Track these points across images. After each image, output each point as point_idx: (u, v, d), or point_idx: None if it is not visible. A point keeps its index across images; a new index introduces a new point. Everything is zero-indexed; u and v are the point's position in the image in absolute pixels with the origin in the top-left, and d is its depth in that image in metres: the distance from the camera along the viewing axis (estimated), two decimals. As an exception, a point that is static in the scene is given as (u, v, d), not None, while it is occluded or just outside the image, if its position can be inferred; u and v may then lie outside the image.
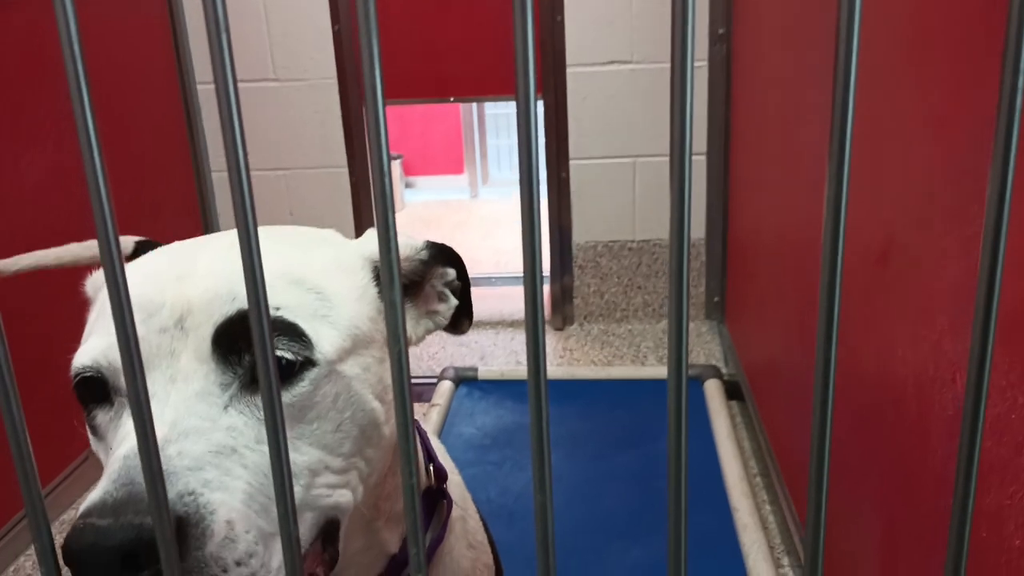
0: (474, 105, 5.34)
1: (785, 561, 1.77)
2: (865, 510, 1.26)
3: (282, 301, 0.63)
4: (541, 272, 0.36)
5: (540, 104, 2.94)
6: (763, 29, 2.15)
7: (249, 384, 0.61)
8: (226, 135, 0.34)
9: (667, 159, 2.85)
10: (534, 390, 0.34)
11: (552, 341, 2.97)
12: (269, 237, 0.68)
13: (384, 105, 0.34)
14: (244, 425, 0.59)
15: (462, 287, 0.79)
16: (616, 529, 1.88)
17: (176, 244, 0.71)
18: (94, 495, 0.52)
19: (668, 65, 2.78)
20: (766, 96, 2.10)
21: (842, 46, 0.35)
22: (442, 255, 0.77)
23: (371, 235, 0.75)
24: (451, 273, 0.78)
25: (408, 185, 5.43)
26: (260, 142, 2.94)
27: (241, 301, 0.61)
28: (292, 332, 0.62)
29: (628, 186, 2.91)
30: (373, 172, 0.34)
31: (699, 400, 2.40)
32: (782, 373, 1.93)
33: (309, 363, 0.62)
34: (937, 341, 0.96)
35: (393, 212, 0.34)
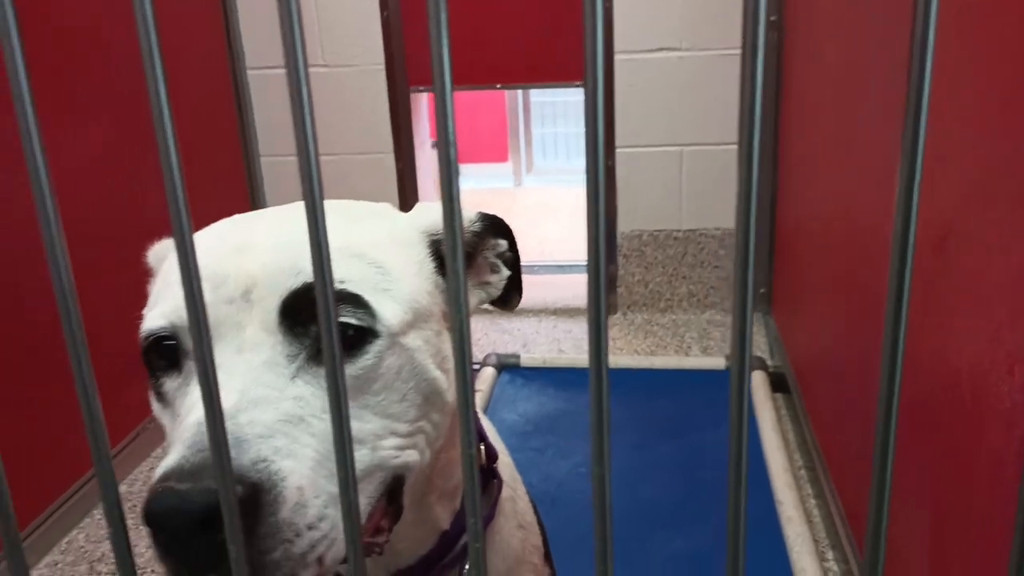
0: (519, 93, 5.33)
1: (830, 555, 1.75)
2: (913, 499, 1.24)
3: (344, 274, 0.64)
4: (604, 252, 0.36)
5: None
6: (817, 15, 2.11)
7: (316, 355, 0.62)
8: (296, 116, 0.35)
9: (714, 148, 2.83)
10: (595, 355, 0.34)
11: (595, 330, 2.96)
12: (327, 210, 0.69)
13: (451, 72, 0.34)
14: (311, 395, 0.60)
15: (513, 260, 0.80)
16: (658, 519, 1.87)
17: (235, 217, 0.72)
18: (170, 460, 0.54)
19: (718, 53, 2.75)
20: (819, 83, 2.07)
21: (919, 30, 0.35)
22: (494, 227, 0.78)
23: (423, 209, 0.76)
24: (503, 244, 0.79)
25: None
26: (308, 128, 2.97)
27: (306, 274, 0.62)
28: (356, 303, 0.63)
29: (675, 175, 2.89)
30: (439, 131, 0.34)
31: (744, 391, 2.38)
32: (830, 366, 1.90)
33: (372, 335, 0.63)
34: (995, 332, 0.94)
35: (457, 179, 0.34)
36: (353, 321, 0.62)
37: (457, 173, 0.36)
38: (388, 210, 0.76)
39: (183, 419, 0.59)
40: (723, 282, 2.98)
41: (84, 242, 2.04)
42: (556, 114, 5.53)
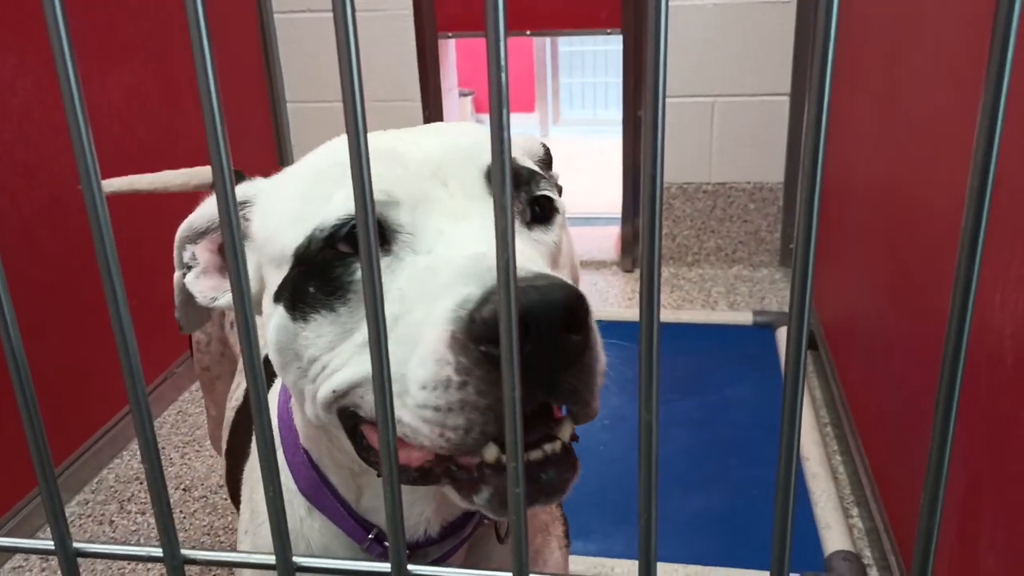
0: (547, 42, 5.25)
1: (854, 512, 1.74)
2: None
3: (524, 158, 0.69)
4: (660, 206, 0.34)
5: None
6: (860, -38, 2.04)
7: (524, 222, 0.65)
8: (342, 61, 0.33)
9: (748, 99, 2.77)
10: (647, 300, 0.33)
11: (620, 283, 2.95)
12: (452, 125, 0.73)
13: (505, 16, 0.32)
14: (533, 253, 0.62)
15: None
16: (677, 476, 1.87)
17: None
18: (478, 288, 0.52)
19: (754, 0, 2.67)
20: (861, 35, 2.01)
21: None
22: (551, 158, 0.82)
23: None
24: (557, 174, 0.81)
25: (479, 122, 5.39)
26: (334, 75, 2.94)
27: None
28: (545, 180, 0.67)
29: (706, 127, 2.84)
30: (490, 76, 0.33)
31: (771, 347, 2.36)
32: (861, 324, 1.87)
33: (555, 209, 0.67)
34: (1042, 289, 0.92)
35: (508, 111, 0.33)
36: (549, 193, 0.66)
37: (508, 121, 0.34)
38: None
39: (440, 267, 0.57)
40: (751, 237, 2.94)
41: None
42: (584, 64, 5.44)
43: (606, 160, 4.18)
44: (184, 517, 1.85)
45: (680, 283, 2.90)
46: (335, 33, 0.35)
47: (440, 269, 0.56)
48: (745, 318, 2.51)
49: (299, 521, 0.75)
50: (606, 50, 5.32)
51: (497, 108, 0.32)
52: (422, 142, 0.65)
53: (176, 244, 0.75)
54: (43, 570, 1.71)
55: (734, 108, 2.81)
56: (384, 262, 0.60)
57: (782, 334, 2.39)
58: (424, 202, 0.61)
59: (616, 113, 2.93)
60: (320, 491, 0.73)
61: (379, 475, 0.66)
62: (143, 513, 1.88)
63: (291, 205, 0.66)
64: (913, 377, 1.43)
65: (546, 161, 0.81)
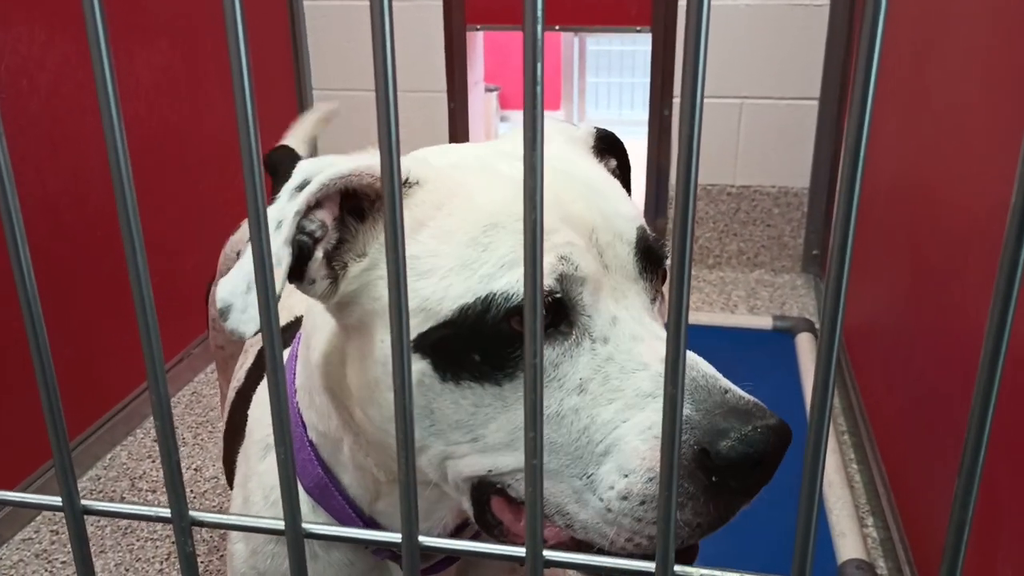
0: (575, 41, 5.24)
1: (869, 521, 1.72)
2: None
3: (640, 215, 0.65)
4: (693, 208, 0.33)
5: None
6: (896, -35, 2.01)
7: (653, 299, 0.62)
8: (376, 52, 0.32)
9: (776, 102, 2.74)
10: (676, 298, 0.32)
11: (640, 283, 2.93)
12: (573, 165, 0.66)
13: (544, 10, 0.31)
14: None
15: (624, 174, 0.79)
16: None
17: (462, 151, 0.65)
18: (691, 411, 0.53)
19: (787, 2, 2.65)
20: (892, 41, 1.98)
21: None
22: (607, 145, 0.77)
23: (559, 121, 0.75)
24: (612, 163, 0.77)
25: (503, 119, 5.38)
26: (362, 63, 2.94)
27: (636, 220, 0.61)
28: (665, 244, 0.63)
29: (733, 128, 2.81)
30: (526, 69, 0.32)
31: (790, 353, 2.33)
32: (882, 332, 1.85)
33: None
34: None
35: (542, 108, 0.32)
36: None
37: (542, 114, 0.33)
38: (567, 127, 0.74)
39: (632, 367, 0.55)
40: (774, 241, 2.92)
41: (141, 166, 2.05)
42: (612, 64, 5.42)
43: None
44: (195, 497, 1.85)
45: (700, 285, 2.87)
46: (371, 26, 0.33)
47: (633, 371, 0.55)
48: (765, 322, 2.49)
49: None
50: (633, 50, 5.30)
51: (531, 120, 0.31)
52: (570, 195, 0.59)
53: (298, 208, 0.55)
54: (53, 543, 1.72)
55: (762, 111, 2.78)
56: (562, 347, 0.56)
57: (802, 340, 2.36)
58: (592, 274, 0.57)
59: (641, 114, 2.92)
60: (327, 491, 0.70)
61: (495, 536, 0.61)
62: (154, 491, 1.88)
63: (457, 241, 0.57)
64: (933, 387, 1.41)
65: (602, 147, 0.75)
